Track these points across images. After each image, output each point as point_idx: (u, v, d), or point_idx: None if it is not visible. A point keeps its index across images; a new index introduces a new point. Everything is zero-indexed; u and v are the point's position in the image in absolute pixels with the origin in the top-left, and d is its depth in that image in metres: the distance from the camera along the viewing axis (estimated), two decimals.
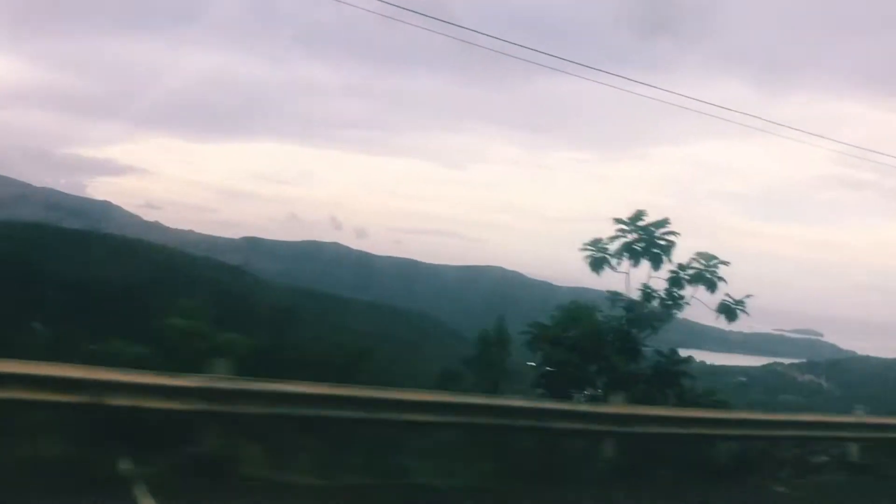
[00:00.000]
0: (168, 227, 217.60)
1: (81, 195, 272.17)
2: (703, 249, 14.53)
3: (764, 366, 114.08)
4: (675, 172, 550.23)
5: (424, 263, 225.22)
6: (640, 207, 13.44)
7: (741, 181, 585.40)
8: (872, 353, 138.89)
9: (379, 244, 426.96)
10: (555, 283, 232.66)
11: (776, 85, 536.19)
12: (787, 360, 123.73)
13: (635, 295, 13.89)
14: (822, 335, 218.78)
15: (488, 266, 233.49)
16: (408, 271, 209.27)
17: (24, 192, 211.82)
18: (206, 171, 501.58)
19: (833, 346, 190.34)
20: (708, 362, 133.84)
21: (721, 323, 16.51)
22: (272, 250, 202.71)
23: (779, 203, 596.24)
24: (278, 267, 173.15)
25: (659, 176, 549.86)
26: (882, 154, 44.38)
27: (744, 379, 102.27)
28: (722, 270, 14.10)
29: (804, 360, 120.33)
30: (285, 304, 68.18)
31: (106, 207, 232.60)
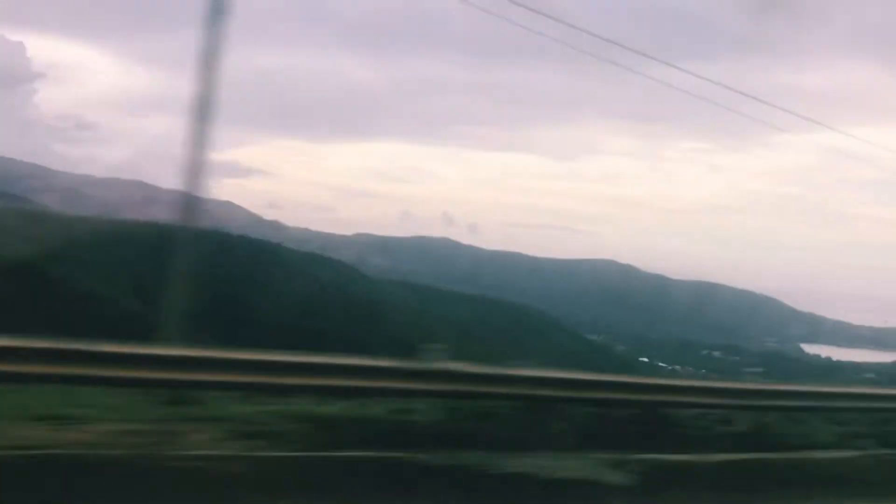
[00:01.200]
0: (286, 226, 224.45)
1: (208, 197, 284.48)
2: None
3: (894, 362, 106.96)
4: (801, 160, 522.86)
5: (534, 257, 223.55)
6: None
7: (875, 167, 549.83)
8: None
9: (491, 239, 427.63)
10: (669, 276, 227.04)
11: None
12: None
13: None
14: None
15: (600, 259, 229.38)
16: (518, 265, 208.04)
17: (153, 195, 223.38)
18: (325, 170, 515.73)
19: None
20: (834, 358, 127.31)
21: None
22: (383, 246, 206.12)
23: None
24: (388, 262, 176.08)
25: (783, 164, 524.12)
26: None
27: (871, 375, 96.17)
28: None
29: None
30: (384, 297, 69.22)
31: (228, 207, 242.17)
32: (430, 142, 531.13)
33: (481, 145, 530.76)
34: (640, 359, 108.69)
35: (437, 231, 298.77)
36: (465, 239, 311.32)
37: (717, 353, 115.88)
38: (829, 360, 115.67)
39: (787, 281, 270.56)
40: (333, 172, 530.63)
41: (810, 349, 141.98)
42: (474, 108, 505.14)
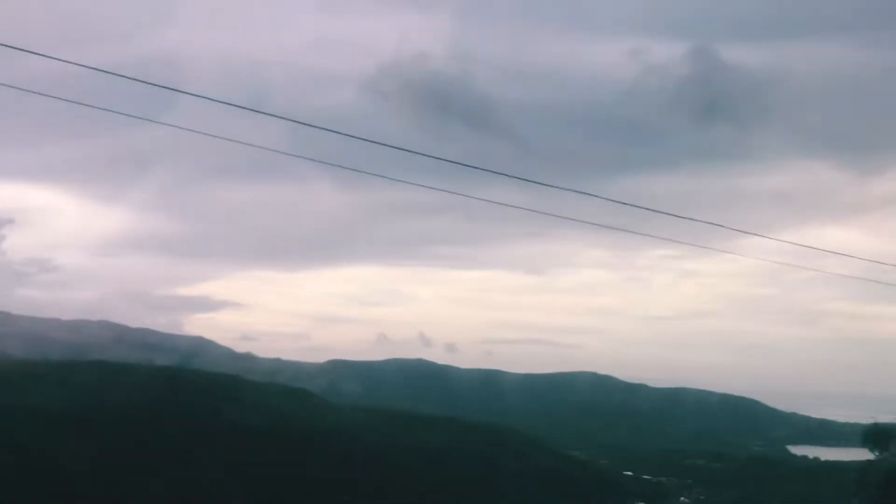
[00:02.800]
0: (258, 357, 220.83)
1: (179, 333, 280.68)
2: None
3: (877, 459, 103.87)
4: (772, 262, 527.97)
5: (513, 373, 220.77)
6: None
7: (843, 265, 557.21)
8: None
9: (468, 358, 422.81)
10: (649, 384, 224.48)
11: (866, 164, 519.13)
12: None
13: None
14: None
15: (579, 372, 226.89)
16: (495, 383, 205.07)
17: (121, 335, 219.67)
18: (298, 298, 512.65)
19: None
20: (822, 458, 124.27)
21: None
22: (357, 371, 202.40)
23: (886, 283, 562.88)
24: (362, 387, 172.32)
25: (753, 267, 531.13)
26: None
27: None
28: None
29: None
30: (352, 424, 66.76)
31: (199, 342, 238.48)
32: (405, 264, 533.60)
33: (456, 264, 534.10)
34: (625, 472, 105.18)
35: (413, 353, 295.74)
36: (442, 359, 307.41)
37: (700, 462, 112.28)
38: (816, 460, 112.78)
39: (768, 382, 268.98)
40: (307, 300, 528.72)
41: (797, 450, 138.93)
42: (447, 228, 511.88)
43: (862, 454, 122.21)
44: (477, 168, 17.36)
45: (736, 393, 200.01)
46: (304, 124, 12.87)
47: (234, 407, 55.63)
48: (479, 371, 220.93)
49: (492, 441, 79.33)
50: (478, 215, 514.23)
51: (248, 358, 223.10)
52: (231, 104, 12.81)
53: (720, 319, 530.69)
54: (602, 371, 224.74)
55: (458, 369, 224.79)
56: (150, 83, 11.89)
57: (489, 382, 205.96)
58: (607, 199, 18.63)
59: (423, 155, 15.07)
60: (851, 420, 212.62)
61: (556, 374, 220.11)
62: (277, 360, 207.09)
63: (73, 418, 52.11)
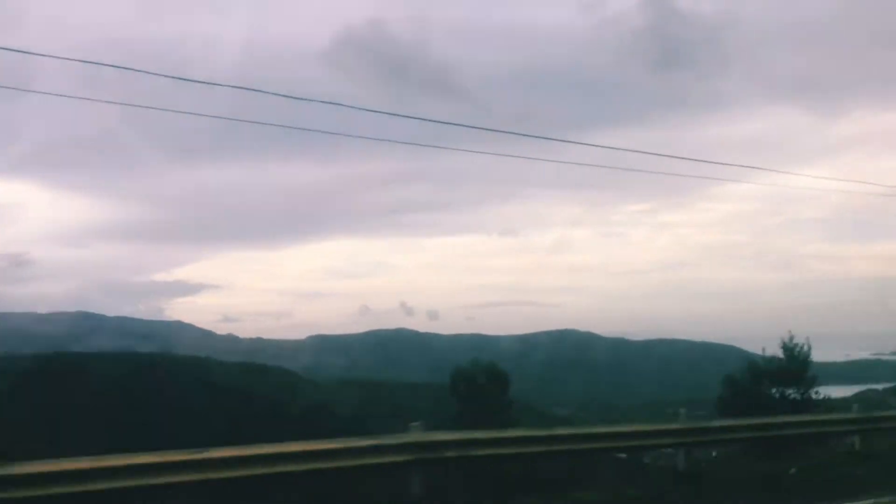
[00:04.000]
0: (240, 338, 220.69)
1: (159, 319, 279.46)
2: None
3: (856, 395, 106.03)
4: (744, 209, 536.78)
5: (493, 336, 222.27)
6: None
7: (816, 207, 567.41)
8: None
9: (451, 324, 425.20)
10: (629, 338, 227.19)
11: (831, 106, 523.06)
12: (882, 386, 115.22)
13: None
14: None
15: (560, 330, 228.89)
16: (477, 346, 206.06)
17: (99, 324, 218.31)
18: (279, 276, 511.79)
19: None
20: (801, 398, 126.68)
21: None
22: (338, 345, 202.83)
23: (859, 222, 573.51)
24: (345, 361, 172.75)
25: (727, 215, 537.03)
26: None
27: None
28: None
29: (894, 384, 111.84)
30: (326, 399, 67.04)
31: (177, 327, 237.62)
32: (383, 234, 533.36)
33: (434, 231, 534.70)
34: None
35: (394, 323, 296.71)
36: (424, 327, 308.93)
37: (682, 410, 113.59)
38: (795, 399, 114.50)
39: (745, 327, 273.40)
40: (287, 277, 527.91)
41: (777, 392, 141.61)
42: (423, 195, 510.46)
43: (836, 391, 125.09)
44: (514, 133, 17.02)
45: (714, 340, 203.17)
46: (293, 98, 12.46)
47: (205, 389, 55.67)
48: (461, 336, 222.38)
49: (476, 404, 79.98)
50: (450, 181, 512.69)
51: (230, 339, 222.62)
52: (184, 79, 12.39)
53: (697, 269, 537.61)
54: (582, 328, 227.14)
55: (440, 336, 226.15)
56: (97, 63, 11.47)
57: (472, 347, 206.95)
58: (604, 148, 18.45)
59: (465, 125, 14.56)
60: (827, 360, 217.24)
61: (537, 334, 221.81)
62: (258, 340, 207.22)
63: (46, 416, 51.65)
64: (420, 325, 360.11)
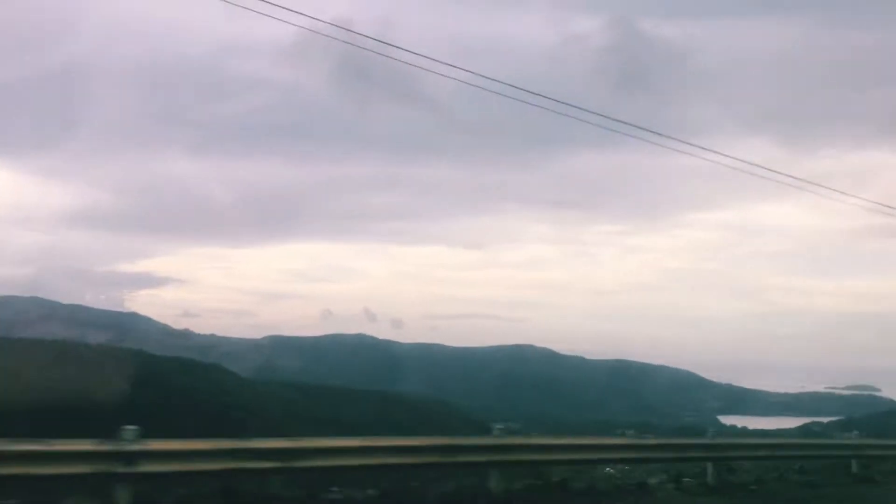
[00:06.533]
0: (194, 334, 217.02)
1: (116, 310, 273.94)
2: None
3: (800, 427, 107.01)
4: (714, 237, 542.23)
5: (453, 347, 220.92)
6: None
7: (782, 240, 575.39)
8: None
9: (413, 333, 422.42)
10: (590, 357, 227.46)
11: (800, 141, 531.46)
12: (826, 419, 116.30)
13: None
14: (879, 390, 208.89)
15: (520, 345, 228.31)
16: (436, 357, 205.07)
17: (51, 311, 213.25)
18: (244, 275, 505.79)
19: (890, 401, 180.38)
20: (751, 427, 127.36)
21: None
22: (294, 347, 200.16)
23: (823, 258, 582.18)
24: (300, 363, 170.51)
25: (697, 241, 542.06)
26: None
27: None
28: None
29: (842, 418, 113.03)
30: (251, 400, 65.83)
31: (132, 318, 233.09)
32: (351, 239, 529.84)
33: (402, 240, 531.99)
34: None
35: (357, 329, 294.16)
36: (386, 334, 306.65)
37: (630, 432, 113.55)
38: (744, 429, 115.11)
39: (705, 354, 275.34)
40: (253, 276, 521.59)
41: (727, 420, 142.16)
42: (393, 203, 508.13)
43: (788, 422, 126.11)
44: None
45: (673, 365, 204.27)
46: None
47: (125, 381, 54.26)
48: (421, 346, 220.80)
49: (418, 415, 78.82)
50: (423, 190, 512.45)
51: (184, 335, 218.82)
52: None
53: (662, 293, 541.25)
54: (542, 345, 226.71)
55: (400, 344, 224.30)
56: None
57: (430, 357, 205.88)
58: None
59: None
60: (782, 390, 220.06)
61: (497, 348, 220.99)
62: (212, 337, 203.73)
63: None
64: (382, 332, 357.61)
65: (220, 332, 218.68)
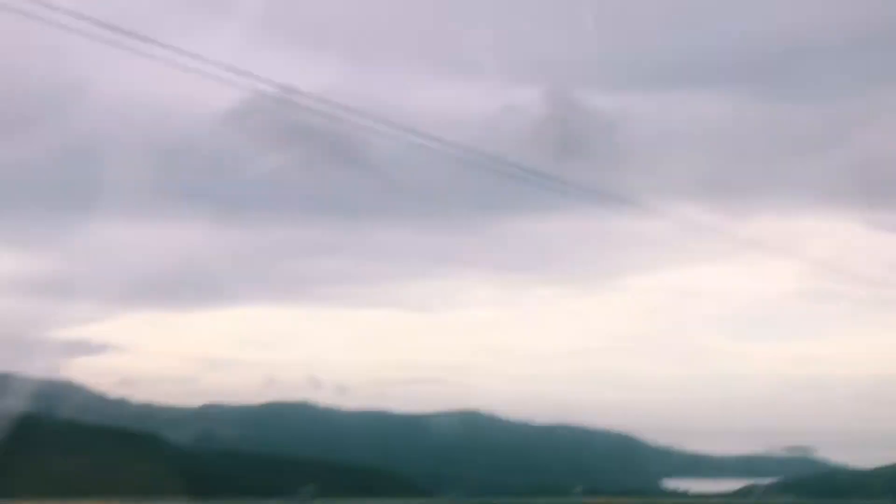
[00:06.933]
0: (131, 403, 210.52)
1: (49, 378, 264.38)
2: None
3: (738, 490, 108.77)
4: (654, 300, 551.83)
5: (398, 414, 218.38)
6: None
7: (721, 303, 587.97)
8: (864, 465, 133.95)
9: (358, 399, 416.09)
10: (533, 422, 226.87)
11: (735, 208, 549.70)
12: (766, 481, 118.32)
13: None
14: (813, 451, 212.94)
15: (464, 411, 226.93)
16: (379, 423, 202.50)
17: None
18: (184, 341, 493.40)
19: (823, 462, 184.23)
20: (692, 490, 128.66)
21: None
22: (234, 415, 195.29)
23: (758, 321, 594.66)
24: (239, 432, 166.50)
25: (636, 305, 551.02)
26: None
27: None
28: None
29: (780, 479, 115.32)
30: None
31: (66, 388, 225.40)
32: (296, 304, 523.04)
33: (349, 303, 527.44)
34: None
35: (301, 395, 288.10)
36: (330, 401, 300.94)
37: (577, 489, 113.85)
38: (686, 492, 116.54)
39: (646, 418, 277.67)
40: (194, 342, 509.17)
41: (670, 483, 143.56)
42: (339, 267, 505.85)
43: (730, 485, 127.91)
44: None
45: (615, 429, 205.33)
46: None
47: (45, 452, 52.60)
48: (365, 413, 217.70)
49: (361, 484, 77.83)
50: (370, 255, 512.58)
51: (120, 404, 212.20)
52: None
53: (603, 357, 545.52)
54: (488, 410, 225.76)
55: (343, 411, 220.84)
56: None
57: (374, 423, 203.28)
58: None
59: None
60: (724, 453, 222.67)
61: (444, 414, 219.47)
62: (149, 406, 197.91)
63: None
64: (326, 399, 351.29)
65: (158, 400, 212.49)
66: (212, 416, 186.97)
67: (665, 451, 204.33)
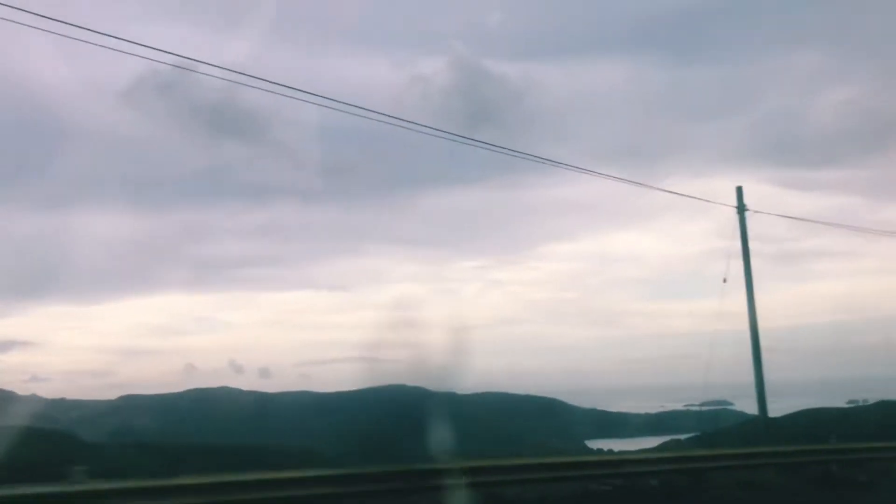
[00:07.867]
0: (42, 399, 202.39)
1: None
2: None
3: (658, 445, 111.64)
4: (572, 267, 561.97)
5: (323, 393, 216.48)
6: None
7: (637, 266, 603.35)
8: (778, 413, 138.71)
9: (283, 382, 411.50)
10: (458, 392, 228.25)
11: (649, 173, 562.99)
12: (685, 436, 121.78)
13: None
14: (732, 404, 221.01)
15: (390, 386, 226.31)
16: (304, 404, 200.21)
17: None
18: (98, 333, 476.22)
19: (740, 413, 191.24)
20: (616, 449, 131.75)
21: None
22: (151, 406, 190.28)
23: (675, 282, 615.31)
24: (158, 422, 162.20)
25: (556, 272, 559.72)
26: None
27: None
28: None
29: (699, 434, 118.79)
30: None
31: None
32: (212, 289, 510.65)
33: (266, 286, 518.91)
34: None
35: (220, 381, 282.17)
36: (253, 385, 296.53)
37: None
38: (610, 451, 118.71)
39: (569, 381, 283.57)
40: (108, 334, 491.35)
41: (593, 444, 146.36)
42: (254, 249, 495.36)
43: (648, 442, 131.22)
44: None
45: (538, 394, 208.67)
46: None
47: None
48: (289, 394, 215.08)
49: (279, 464, 76.14)
50: (284, 235, 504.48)
51: (30, 400, 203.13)
52: None
53: (526, 325, 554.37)
54: (411, 383, 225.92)
55: (266, 394, 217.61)
56: None
57: (299, 404, 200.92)
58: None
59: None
60: (643, 411, 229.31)
61: (366, 391, 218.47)
62: (62, 401, 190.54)
63: None
64: (248, 383, 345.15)
65: (70, 396, 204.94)
66: (129, 409, 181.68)
67: (588, 412, 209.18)
